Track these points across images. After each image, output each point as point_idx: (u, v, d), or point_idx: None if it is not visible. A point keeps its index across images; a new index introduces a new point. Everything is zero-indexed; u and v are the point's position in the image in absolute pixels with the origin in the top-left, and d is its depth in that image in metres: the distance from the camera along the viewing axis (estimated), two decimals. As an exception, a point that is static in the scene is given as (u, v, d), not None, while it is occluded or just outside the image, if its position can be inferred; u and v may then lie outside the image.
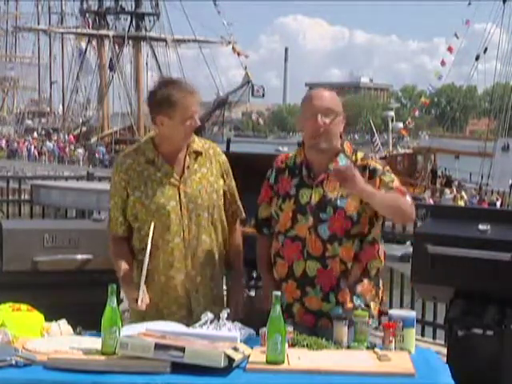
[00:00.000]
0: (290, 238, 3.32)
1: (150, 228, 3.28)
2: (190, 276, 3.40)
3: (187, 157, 3.41)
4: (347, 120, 3.40)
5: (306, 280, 3.30)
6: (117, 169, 3.43)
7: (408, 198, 3.26)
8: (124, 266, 3.39)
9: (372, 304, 3.35)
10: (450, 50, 40.99)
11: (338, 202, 3.26)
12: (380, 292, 3.42)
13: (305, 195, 3.31)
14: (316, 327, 3.25)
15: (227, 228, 3.53)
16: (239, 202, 3.59)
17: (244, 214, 3.61)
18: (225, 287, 3.71)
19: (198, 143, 3.45)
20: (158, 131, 3.40)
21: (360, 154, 3.36)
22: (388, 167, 3.35)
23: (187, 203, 3.38)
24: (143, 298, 3.21)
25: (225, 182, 3.51)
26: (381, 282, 3.45)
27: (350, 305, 3.27)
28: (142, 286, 3.21)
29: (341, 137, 3.34)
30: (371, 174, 3.28)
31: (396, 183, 3.29)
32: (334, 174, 3.16)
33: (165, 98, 3.29)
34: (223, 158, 3.52)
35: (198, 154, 3.44)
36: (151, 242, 3.27)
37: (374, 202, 3.20)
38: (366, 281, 3.34)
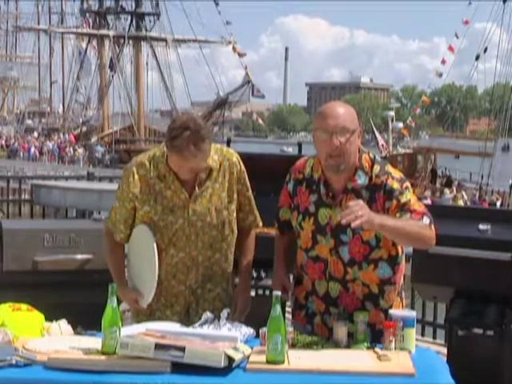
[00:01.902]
0: (311, 258, 3.26)
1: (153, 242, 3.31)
2: (192, 288, 3.40)
3: (199, 174, 3.33)
4: None
5: (329, 299, 3.25)
6: (128, 177, 3.34)
7: (426, 220, 3.11)
8: (120, 274, 3.43)
9: None
10: (450, 49, 40.99)
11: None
12: (404, 303, 3.36)
13: (324, 215, 3.21)
14: (329, 340, 3.15)
15: (241, 236, 3.48)
16: (256, 212, 3.52)
17: (261, 223, 3.55)
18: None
19: (213, 157, 3.34)
20: None
21: (376, 168, 3.18)
22: (407, 183, 3.18)
23: (195, 221, 3.34)
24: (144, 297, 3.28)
25: (240, 192, 3.43)
26: (403, 292, 3.36)
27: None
28: (153, 288, 3.29)
29: (359, 151, 3.18)
30: (387, 196, 3.14)
31: (413, 204, 3.12)
32: (347, 215, 2.92)
33: (171, 136, 3.17)
34: (239, 168, 3.42)
35: (211, 169, 3.35)
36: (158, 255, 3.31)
37: (389, 234, 3.09)
38: (398, 299, 3.30)
